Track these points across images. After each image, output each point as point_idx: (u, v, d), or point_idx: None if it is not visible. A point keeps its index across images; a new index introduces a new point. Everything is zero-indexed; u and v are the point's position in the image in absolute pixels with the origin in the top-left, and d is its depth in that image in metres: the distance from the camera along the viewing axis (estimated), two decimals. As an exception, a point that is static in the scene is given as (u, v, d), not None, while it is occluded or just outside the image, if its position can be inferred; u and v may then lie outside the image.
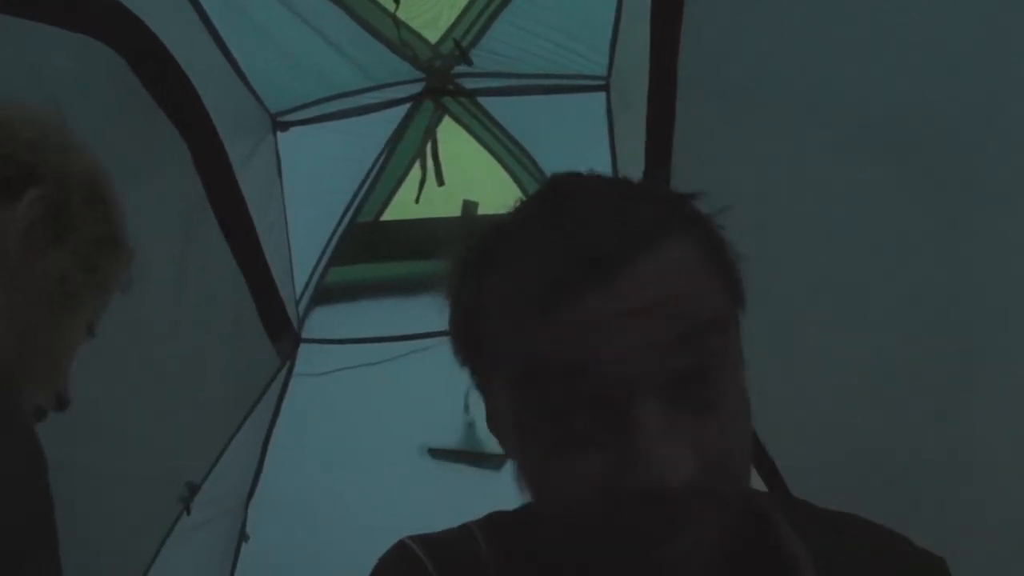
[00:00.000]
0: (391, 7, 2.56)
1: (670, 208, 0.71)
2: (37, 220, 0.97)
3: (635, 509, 0.63)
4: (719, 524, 0.66)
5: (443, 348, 0.78)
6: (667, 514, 0.64)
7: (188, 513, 2.32)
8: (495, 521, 0.84)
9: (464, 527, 0.84)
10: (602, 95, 2.75)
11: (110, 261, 1.05)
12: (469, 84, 2.93)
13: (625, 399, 0.63)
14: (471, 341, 0.74)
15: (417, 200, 3.15)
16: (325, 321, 3.07)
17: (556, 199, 0.72)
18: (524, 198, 0.76)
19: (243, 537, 2.82)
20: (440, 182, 3.11)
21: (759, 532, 0.77)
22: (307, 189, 2.81)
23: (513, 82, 2.90)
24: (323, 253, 3.08)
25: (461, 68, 2.84)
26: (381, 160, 3.09)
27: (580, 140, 2.89)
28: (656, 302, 0.64)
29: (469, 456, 3.17)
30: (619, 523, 0.65)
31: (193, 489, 2.35)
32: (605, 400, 0.64)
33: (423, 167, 3.09)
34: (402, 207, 3.23)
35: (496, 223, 0.74)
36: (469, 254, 0.74)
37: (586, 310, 0.64)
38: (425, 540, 0.81)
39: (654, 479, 0.62)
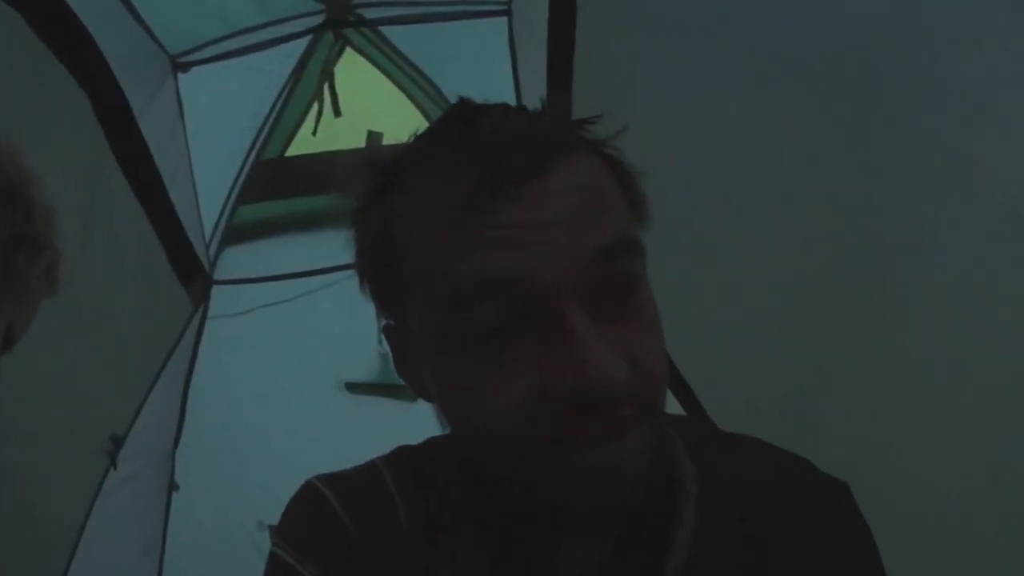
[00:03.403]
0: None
1: (570, 129, 0.73)
2: None
3: (577, 411, 0.63)
4: (649, 434, 0.67)
5: (354, 281, 0.77)
6: (609, 417, 0.64)
7: (115, 468, 2.29)
8: (401, 456, 0.85)
9: (371, 464, 0.84)
10: (504, 20, 2.70)
11: (27, 264, 1.01)
12: (369, 14, 2.87)
13: (554, 309, 0.64)
14: (382, 272, 0.73)
15: (315, 133, 3.10)
16: (236, 261, 3.03)
17: (461, 122, 0.71)
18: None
19: (172, 487, 2.82)
20: (337, 113, 3.06)
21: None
22: (211, 129, 2.73)
23: (413, 10, 2.84)
24: (230, 193, 3.02)
25: (360, -2, 2.78)
26: (284, 95, 3.02)
27: (483, 67, 2.85)
28: (568, 215, 0.65)
29: (385, 388, 3.18)
30: (559, 428, 0.64)
31: (117, 442, 2.32)
32: (535, 311, 0.64)
33: (319, 100, 3.03)
34: (307, 142, 3.19)
35: (399, 150, 0.74)
36: (373, 183, 0.74)
37: (500, 224, 0.64)
38: (332, 479, 0.82)
39: (596, 380, 0.62)
